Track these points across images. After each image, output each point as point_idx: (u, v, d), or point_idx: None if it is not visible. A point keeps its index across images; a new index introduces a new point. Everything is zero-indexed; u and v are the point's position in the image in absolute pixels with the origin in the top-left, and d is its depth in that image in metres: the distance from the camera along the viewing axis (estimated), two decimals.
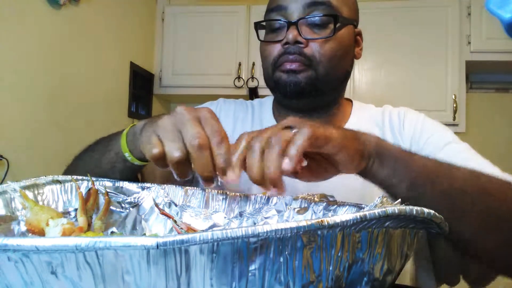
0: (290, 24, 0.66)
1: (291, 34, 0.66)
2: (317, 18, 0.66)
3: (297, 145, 0.39)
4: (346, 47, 0.70)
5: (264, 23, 0.72)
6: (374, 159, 0.46)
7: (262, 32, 0.73)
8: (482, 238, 0.47)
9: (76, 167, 0.63)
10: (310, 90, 0.67)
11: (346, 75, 0.73)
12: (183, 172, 0.41)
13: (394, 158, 0.47)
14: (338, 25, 0.67)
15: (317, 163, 0.45)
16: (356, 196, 0.68)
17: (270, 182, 0.38)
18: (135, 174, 0.62)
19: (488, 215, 0.46)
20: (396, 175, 0.46)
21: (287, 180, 0.39)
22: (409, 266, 0.71)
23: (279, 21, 0.68)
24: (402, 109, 0.75)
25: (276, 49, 0.68)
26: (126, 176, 0.59)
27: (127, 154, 0.54)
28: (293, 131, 0.40)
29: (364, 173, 0.47)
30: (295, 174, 0.42)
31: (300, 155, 0.38)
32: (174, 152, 0.40)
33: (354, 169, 0.45)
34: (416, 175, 0.46)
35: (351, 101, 0.81)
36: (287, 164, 0.38)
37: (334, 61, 0.68)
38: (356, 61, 0.77)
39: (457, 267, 0.64)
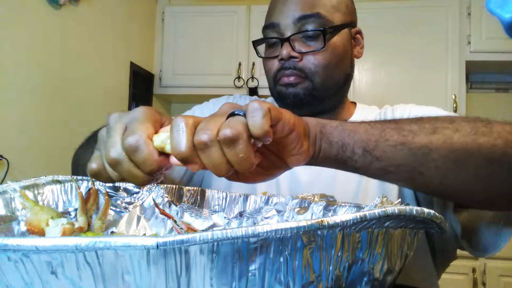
0: (283, 40, 0.69)
1: (285, 50, 0.69)
2: (308, 32, 0.69)
3: (262, 120, 0.34)
4: (341, 53, 0.71)
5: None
6: (320, 140, 0.44)
7: (262, 47, 0.76)
8: (452, 171, 0.46)
9: (77, 160, 0.64)
10: (310, 100, 0.70)
11: (346, 78, 0.75)
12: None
13: (339, 130, 0.45)
14: (327, 35, 0.69)
15: (264, 157, 0.42)
16: (351, 190, 0.69)
17: (244, 169, 0.35)
18: None
19: (448, 146, 0.45)
20: (346, 146, 0.44)
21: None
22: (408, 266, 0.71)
23: (273, 39, 0.72)
24: (396, 106, 0.78)
25: (275, 64, 0.72)
26: None
27: None
28: (241, 113, 0.36)
29: (316, 160, 0.45)
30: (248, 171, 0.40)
31: (269, 127, 0.35)
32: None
33: (303, 158, 0.43)
34: (365, 138, 0.45)
35: (356, 104, 0.83)
36: (268, 140, 0.35)
37: (329, 69, 0.70)
38: (356, 61, 0.79)
39: (453, 244, 0.64)
